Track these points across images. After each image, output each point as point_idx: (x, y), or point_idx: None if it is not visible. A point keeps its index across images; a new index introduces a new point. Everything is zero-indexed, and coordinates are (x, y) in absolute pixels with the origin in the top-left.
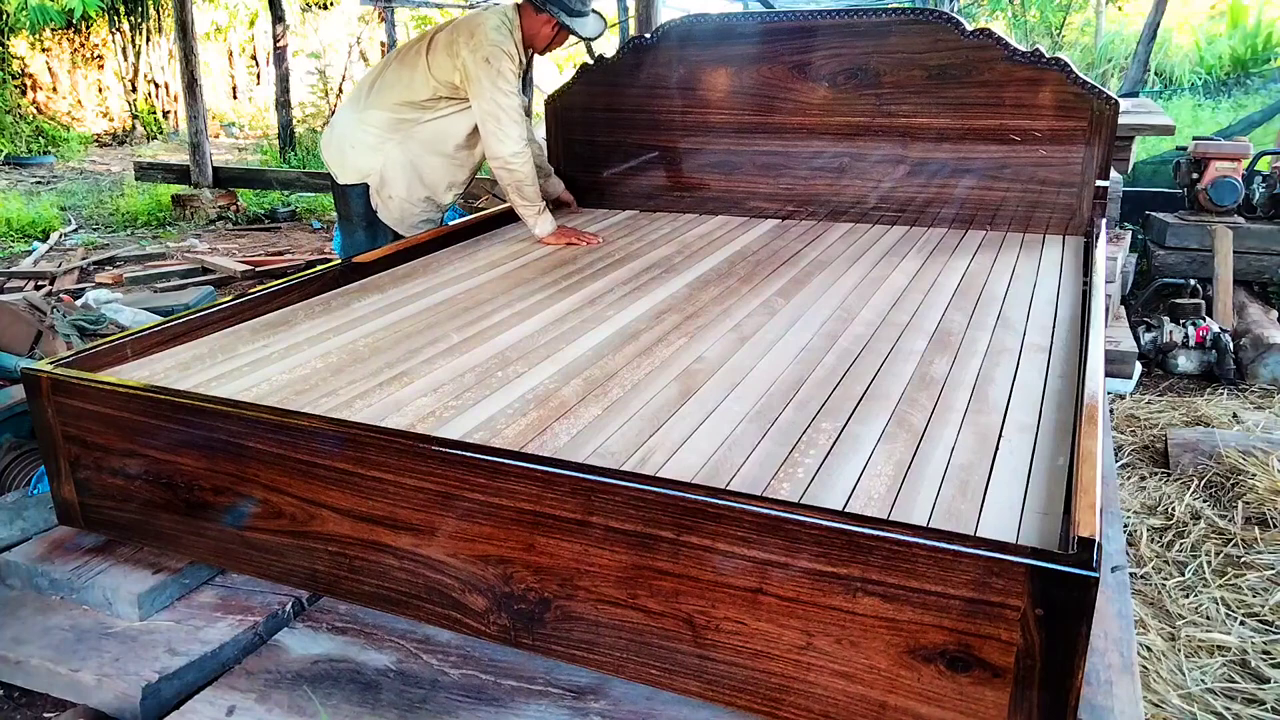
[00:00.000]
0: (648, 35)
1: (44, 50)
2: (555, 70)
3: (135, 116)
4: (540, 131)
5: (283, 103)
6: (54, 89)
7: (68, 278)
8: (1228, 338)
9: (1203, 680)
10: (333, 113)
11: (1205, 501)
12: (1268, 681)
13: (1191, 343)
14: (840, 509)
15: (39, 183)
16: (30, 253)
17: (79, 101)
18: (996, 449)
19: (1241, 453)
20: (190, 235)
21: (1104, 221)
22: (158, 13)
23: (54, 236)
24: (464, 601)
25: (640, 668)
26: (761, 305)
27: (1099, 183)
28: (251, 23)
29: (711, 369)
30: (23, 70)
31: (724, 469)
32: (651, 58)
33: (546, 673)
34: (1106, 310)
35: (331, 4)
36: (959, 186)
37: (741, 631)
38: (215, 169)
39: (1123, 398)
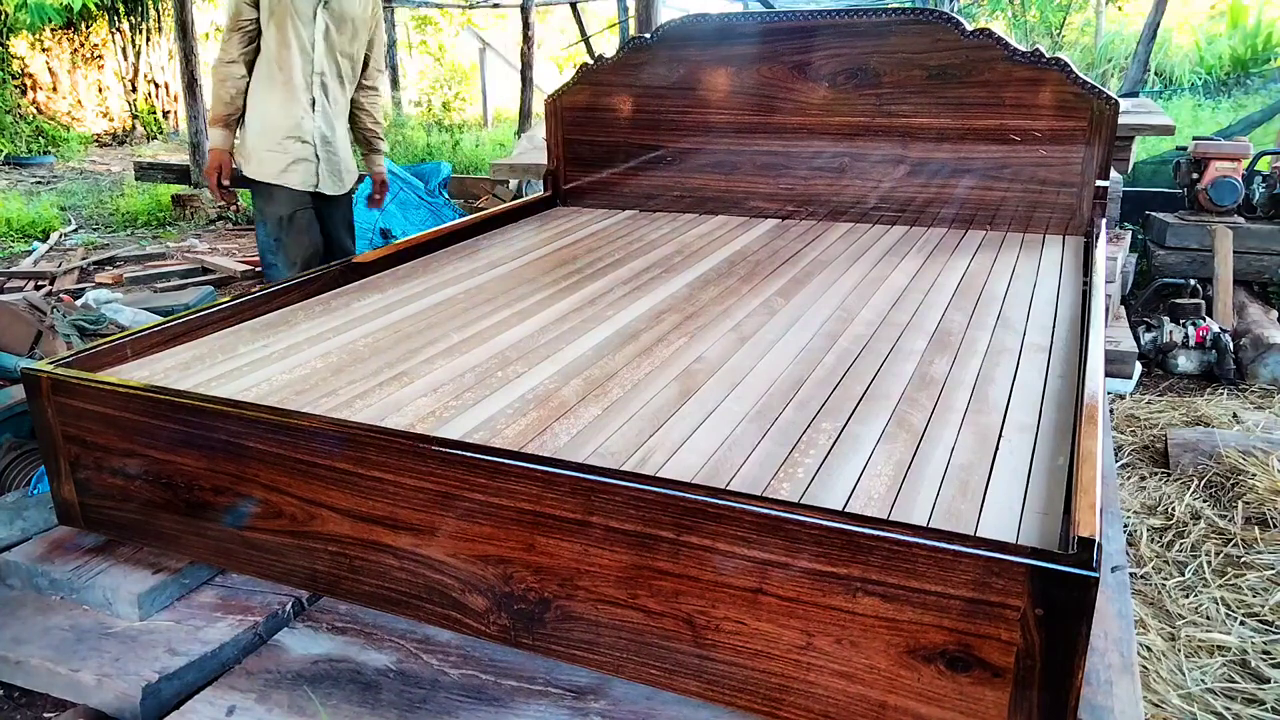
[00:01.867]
0: (648, 35)
1: (44, 50)
2: (555, 70)
3: (135, 116)
4: (540, 131)
5: None
6: (54, 89)
7: (68, 278)
8: (1228, 338)
9: (1203, 680)
10: None
11: (1205, 501)
12: (1268, 681)
13: (1191, 343)
14: (840, 509)
15: (39, 183)
16: (30, 253)
17: (79, 101)
18: (996, 449)
19: (1241, 453)
20: (190, 235)
21: (1104, 221)
22: (158, 12)
23: (54, 236)
24: (464, 601)
25: (640, 668)
26: (761, 305)
27: (1099, 183)
28: None
29: (711, 369)
30: (23, 70)
31: (724, 469)
32: (651, 58)
33: (546, 673)
34: (1106, 310)
35: None
36: (959, 186)
37: (741, 631)
38: None
39: (1123, 398)
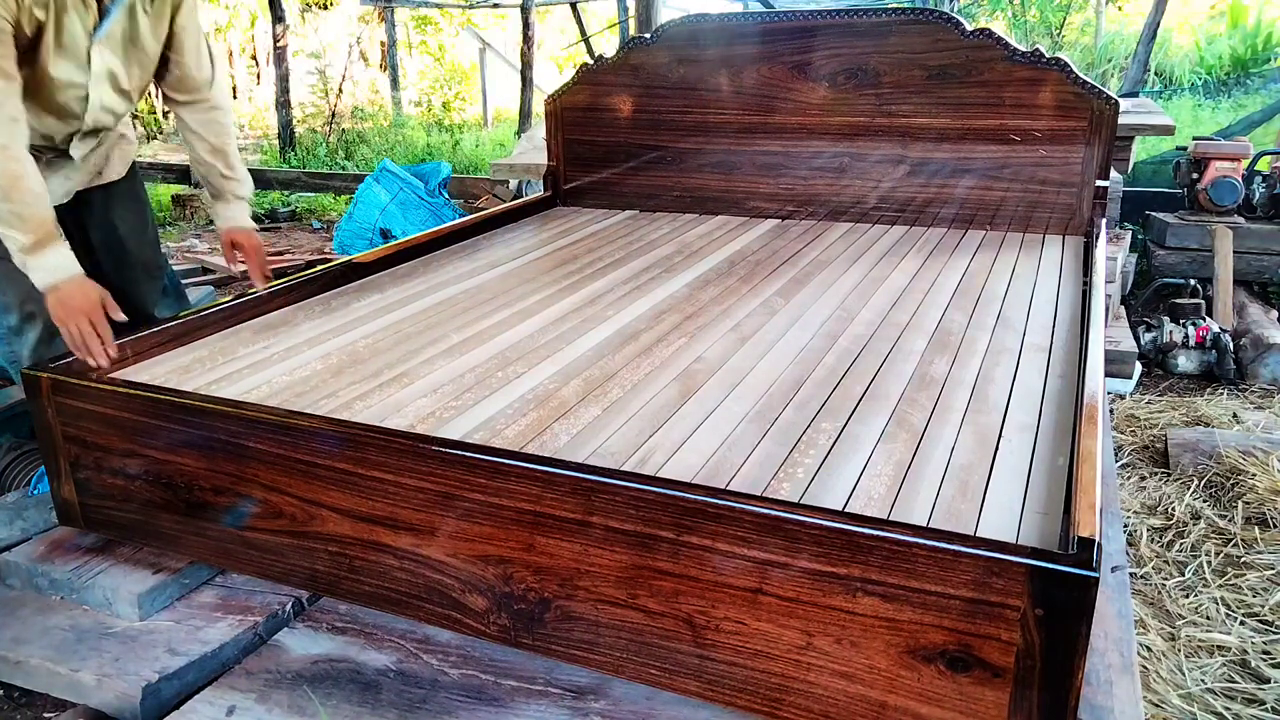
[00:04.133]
0: (648, 35)
1: None
2: (555, 70)
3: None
4: (540, 131)
5: (283, 103)
6: None
7: None
8: (1228, 338)
9: (1203, 680)
10: (333, 114)
11: (1205, 501)
12: (1268, 681)
13: (1191, 343)
14: (840, 509)
15: None
16: None
17: None
18: (996, 449)
19: (1241, 453)
20: (190, 235)
21: (1104, 221)
22: None
23: None
24: (464, 601)
25: (640, 668)
26: (761, 305)
27: (1099, 183)
28: (252, 23)
29: (711, 369)
30: None
31: (724, 469)
32: (651, 58)
33: (546, 673)
34: (1106, 310)
35: (331, 4)
36: (959, 186)
37: (741, 631)
38: None
39: (1123, 398)
